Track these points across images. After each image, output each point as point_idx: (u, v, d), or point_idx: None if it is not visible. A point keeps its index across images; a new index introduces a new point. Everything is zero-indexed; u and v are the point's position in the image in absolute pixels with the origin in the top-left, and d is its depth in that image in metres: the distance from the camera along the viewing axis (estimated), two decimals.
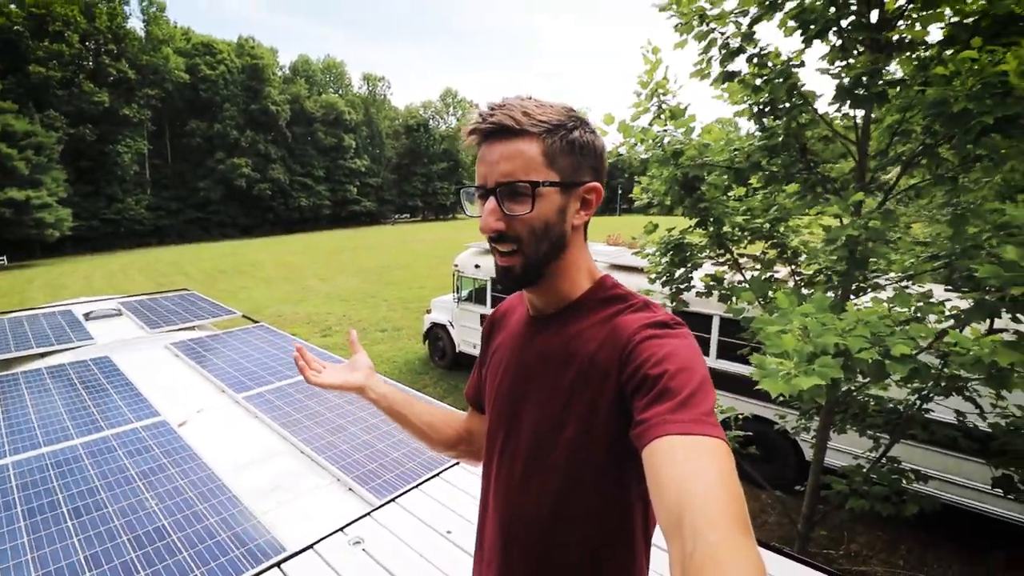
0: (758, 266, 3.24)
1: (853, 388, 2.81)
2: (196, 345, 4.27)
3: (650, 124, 2.94)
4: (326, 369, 1.04)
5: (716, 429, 0.62)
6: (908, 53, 2.52)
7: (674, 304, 3.24)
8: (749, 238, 3.19)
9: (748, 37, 2.60)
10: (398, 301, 14.53)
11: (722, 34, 2.64)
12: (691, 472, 0.57)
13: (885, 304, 2.21)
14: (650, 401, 0.66)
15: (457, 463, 2.54)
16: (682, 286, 3.18)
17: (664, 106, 2.89)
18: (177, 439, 2.68)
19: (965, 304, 2.32)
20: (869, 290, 2.78)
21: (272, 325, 4.89)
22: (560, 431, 0.81)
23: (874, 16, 2.54)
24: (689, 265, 3.23)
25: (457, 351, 8.89)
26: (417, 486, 2.35)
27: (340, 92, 54.22)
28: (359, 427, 2.93)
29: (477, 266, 8.35)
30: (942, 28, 2.38)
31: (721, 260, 3.23)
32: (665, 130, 2.90)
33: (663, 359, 0.69)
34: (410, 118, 57.21)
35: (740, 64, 2.69)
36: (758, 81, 2.71)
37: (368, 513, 2.13)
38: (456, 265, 8.69)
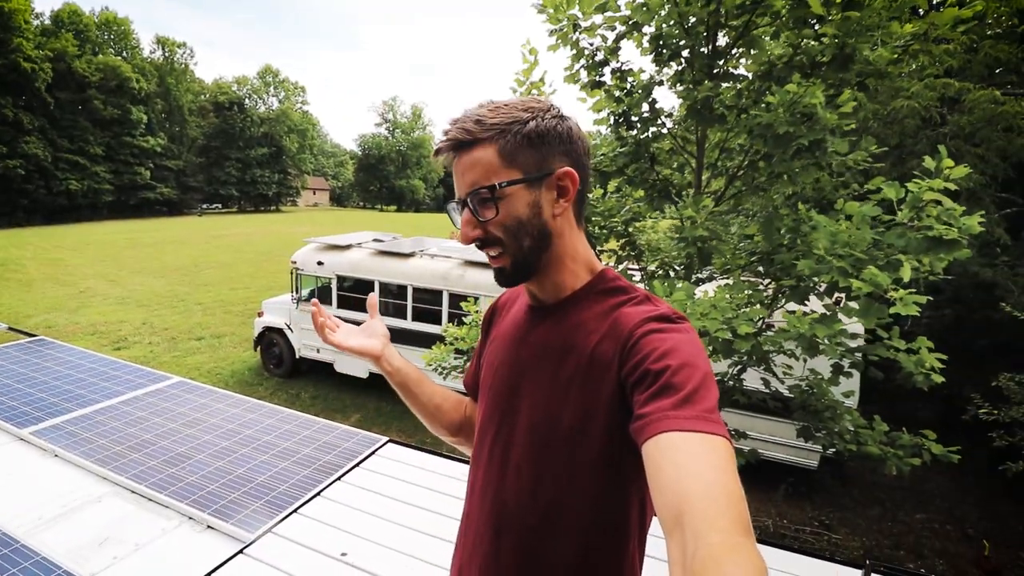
0: (612, 261, 3.57)
1: None
2: None
3: None
4: (341, 328, 1.02)
5: (718, 427, 0.62)
6: (731, 83, 3.01)
7: None
8: (607, 235, 3.49)
9: (613, 52, 2.84)
10: (216, 304, 12.72)
11: (591, 44, 2.83)
12: (692, 470, 0.56)
13: (724, 293, 2.60)
14: (652, 396, 0.66)
15: (339, 479, 2.31)
16: None
17: None
18: None
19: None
20: (704, 282, 3.26)
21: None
22: (558, 422, 0.79)
23: (708, 50, 2.98)
24: None
25: (297, 356, 8.12)
26: (296, 510, 2.08)
27: (125, 55, 45.08)
28: (207, 453, 2.48)
29: (320, 263, 7.72)
30: (756, 65, 2.90)
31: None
32: None
33: (666, 353, 0.68)
34: (220, 94, 50.05)
35: (606, 75, 2.91)
36: (618, 93, 2.96)
37: (240, 551, 1.82)
38: (295, 262, 7.92)
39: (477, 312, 3.64)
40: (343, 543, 1.90)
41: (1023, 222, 6.34)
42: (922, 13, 2.98)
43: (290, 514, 2.04)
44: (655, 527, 0.91)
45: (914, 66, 4.97)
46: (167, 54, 48.42)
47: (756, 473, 4.81)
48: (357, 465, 2.43)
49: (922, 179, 2.12)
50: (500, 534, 0.86)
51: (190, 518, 2.00)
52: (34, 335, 3.91)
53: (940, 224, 2.00)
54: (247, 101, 51.96)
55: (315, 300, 1.02)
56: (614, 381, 0.74)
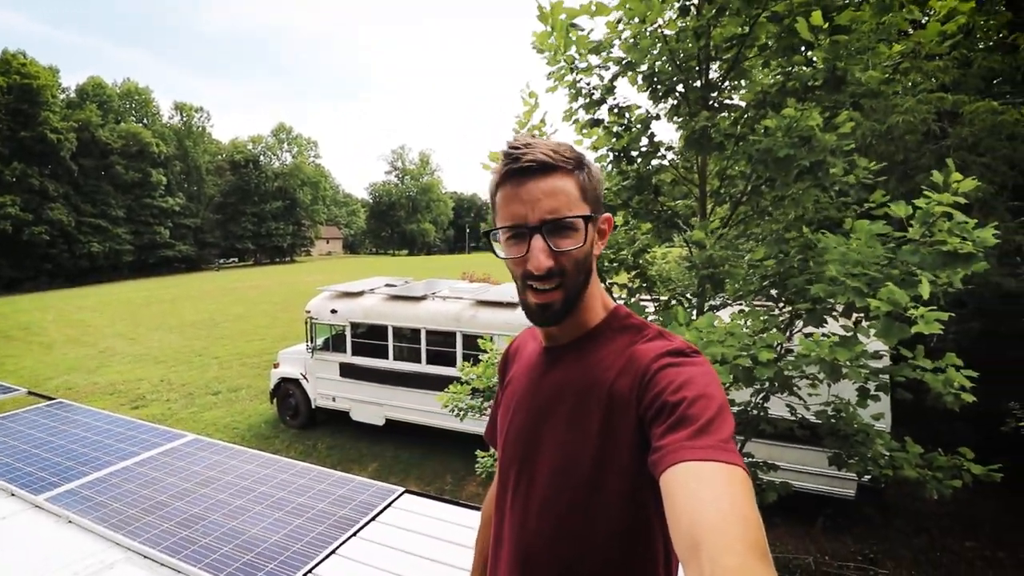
0: (624, 294, 3.54)
1: None
2: None
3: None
4: None
5: (735, 456, 0.62)
6: (727, 113, 3.05)
7: None
8: (616, 268, 3.48)
9: (609, 90, 2.91)
10: (232, 358, 12.81)
11: (587, 84, 2.90)
12: (708, 498, 0.56)
13: (740, 319, 2.55)
14: (668, 428, 0.66)
15: (355, 535, 2.25)
16: None
17: None
18: None
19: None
20: (718, 309, 3.21)
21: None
22: (579, 464, 0.78)
23: (701, 83, 3.04)
24: None
25: (313, 407, 8.08)
26: (311, 570, 2.01)
27: (145, 122, 47.37)
28: (220, 513, 2.43)
29: (334, 311, 7.78)
30: (750, 95, 2.94)
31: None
32: None
33: (681, 386, 0.69)
34: (236, 153, 52.08)
35: (603, 112, 2.97)
36: (616, 128, 3.01)
37: None
38: (309, 312, 8.00)
39: (494, 350, 3.61)
40: None
41: None
42: (909, 33, 3.03)
43: (305, 575, 1.97)
44: None
45: (908, 83, 5.01)
46: (185, 118, 50.86)
47: (791, 507, 4.60)
48: (373, 519, 2.36)
49: (931, 193, 2.09)
50: None
51: None
52: (53, 398, 3.95)
53: (953, 238, 1.96)
54: (262, 158, 53.97)
55: None
56: (634, 417, 0.74)
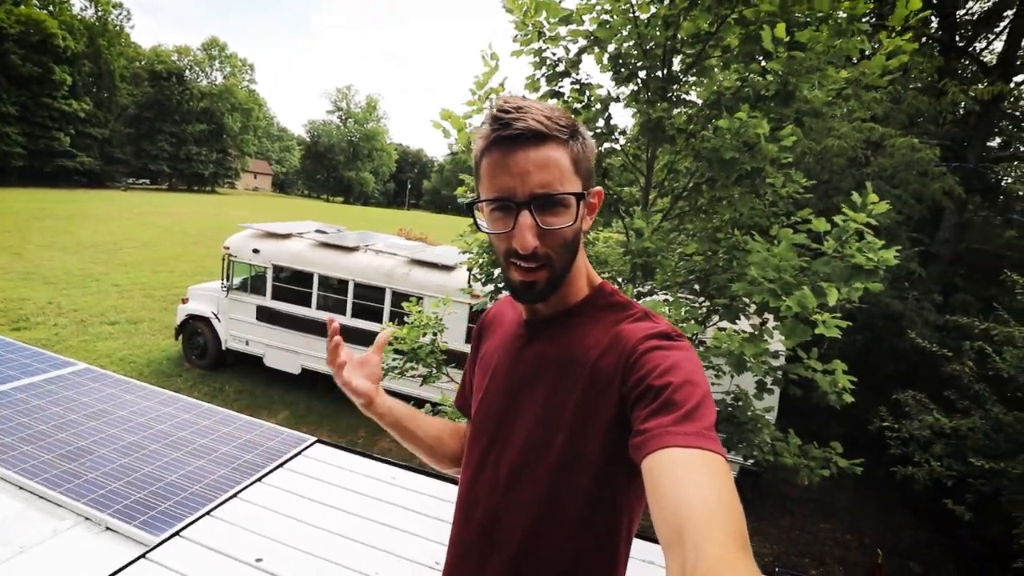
0: None
1: None
2: None
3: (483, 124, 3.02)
4: (347, 362, 0.90)
5: (717, 444, 0.62)
6: (683, 108, 3.14)
7: (487, 300, 3.37)
8: None
9: (574, 64, 2.88)
10: (135, 287, 11.81)
11: (553, 55, 2.86)
12: (692, 486, 0.57)
13: (664, 308, 2.68)
14: (653, 412, 0.66)
15: (259, 480, 2.18)
16: (500, 284, 3.33)
17: None
18: None
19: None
20: (646, 295, 3.35)
21: None
22: (555, 436, 0.78)
23: (663, 74, 3.09)
24: None
25: (224, 348, 7.66)
26: (209, 512, 1.93)
27: (51, 9, 41.19)
28: (111, 448, 2.27)
29: (256, 250, 7.34)
30: (706, 93, 3.03)
31: None
32: None
33: (668, 370, 0.69)
34: (158, 62, 46.67)
35: (565, 86, 2.95)
36: (577, 106, 3.01)
37: (143, 555, 1.67)
38: (227, 248, 7.49)
39: (419, 312, 3.56)
40: (259, 548, 1.79)
41: (930, 260, 7.00)
42: (855, 61, 3.24)
43: (201, 516, 1.90)
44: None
45: (845, 109, 5.38)
46: (100, 12, 44.65)
47: None
48: (281, 466, 2.30)
49: (849, 212, 2.28)
50: (491, 549, 0.85)
51: (86, 519, 1.82)
52: None
53: (860, 255, 2.16)
54: (188, 73, 48.77)
55: (333, 318, 0.89)
56: (615, 396, 0.74)
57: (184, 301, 7.90)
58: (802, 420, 4.61)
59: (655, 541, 1.89)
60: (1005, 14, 7.83)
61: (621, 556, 0.83)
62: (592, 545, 0.80)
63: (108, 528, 1.79)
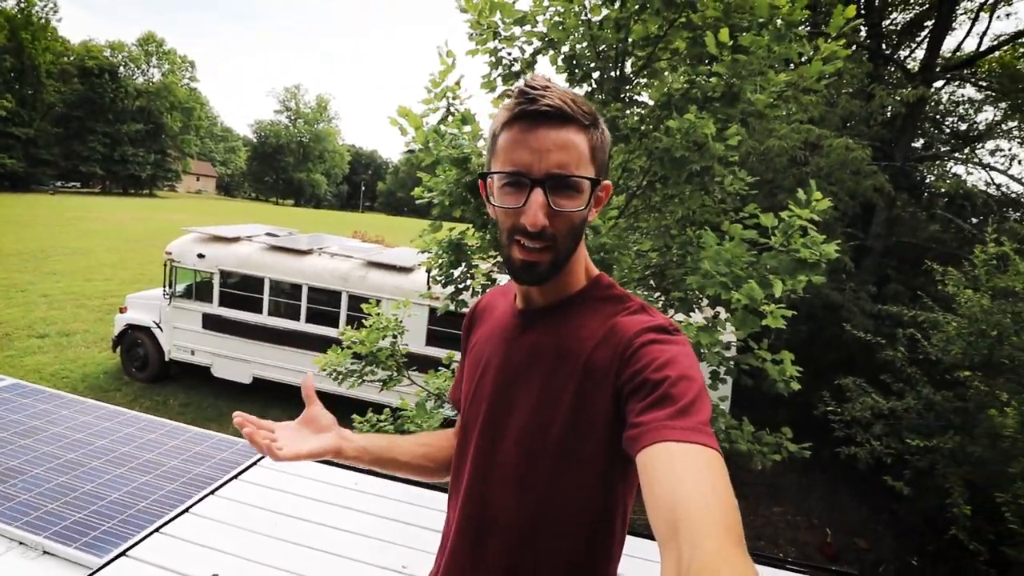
0: None
1: None
2: None
3: (439, 123, 2.99)
4: (281, 435, 0.82)
5: (712, 439, 0.63)
6: (635, 109, 3.22)
7: (454, 305, 3.34)
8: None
9: (530, 64, 2.91)
10: (66, 297, 11.04)
11: (508, 55, 2.87)
12: (688, 480, 0.57)
13: None
14: (649, 405, 0.66)
15: (212, 493, 2.08)
16: (460, 285, 3.31)
17: (454, 109, 2.98)
18: None
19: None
20: None
21: None
22: (549, 429, 0.77)
23: (616, 75, 3.16)
24: (464, 265, 3.38)
25: (167, 359, 7.26)
26: (158, 529, 1.83)
27: None
28: (46, 467, 2.12)
29: (201, 255, 7.01)
30: (657, 94, 3.13)
31: (495, 261, 3.50)
32: (454, 133, 3.00)
33: (664, 364, 0.69)
34: (88, 58, 43.74)
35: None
36: None
37: None
38: (170, 253, 7.12)
39: (379, 315, 3.49)
40: (214, 563, 1.71)
41: (864, 254, 7.46)
42: (794, 66, 3.41)
43: (150, 534, 1.79)
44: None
45: (785, 111, 5.67)
46: (23, 4, 41.47)
47: None
48: (236, 477, 2.21)
49: (795, 209, 2.41)
50: (484, 542, 0.84)
51: (20, 543, 1.69)
52: None
53: (805, 249, 2.29)
54: (122, 69, 45.95)
55: (239, 415, 0.80)
56: (610, 390, 0.74)
57: (122, 310, 7.44)
58: (752, 408, 4.82)
59: (649, 537, 1.92)
60: (925, 24, 8.49)
61: (615, 548, 0.83)
62: (587, 537, 0.80)
63: (46, 552, 1.67)
